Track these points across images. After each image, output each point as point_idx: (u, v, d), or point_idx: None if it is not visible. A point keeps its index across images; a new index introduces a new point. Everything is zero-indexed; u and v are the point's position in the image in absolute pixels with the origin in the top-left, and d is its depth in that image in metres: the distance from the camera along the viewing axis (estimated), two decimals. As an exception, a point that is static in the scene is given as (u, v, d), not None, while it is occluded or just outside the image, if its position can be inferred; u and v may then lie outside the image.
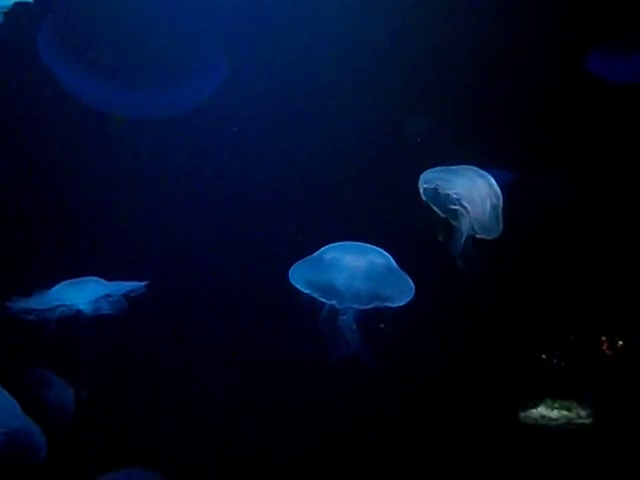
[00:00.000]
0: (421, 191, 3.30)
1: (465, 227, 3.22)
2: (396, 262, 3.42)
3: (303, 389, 4.17)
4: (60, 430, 3.76)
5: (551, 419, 4.31)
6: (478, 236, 3.27)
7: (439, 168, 3.31)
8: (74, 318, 3.51)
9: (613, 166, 4.10)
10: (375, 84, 4.01)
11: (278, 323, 4.10)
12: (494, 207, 3.24)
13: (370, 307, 3.27)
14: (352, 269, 3.30)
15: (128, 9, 3.85)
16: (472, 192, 3.18)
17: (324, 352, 3.40)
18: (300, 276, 3.30)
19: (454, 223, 3.29)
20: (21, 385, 3.60)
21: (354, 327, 3.36)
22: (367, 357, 3.43)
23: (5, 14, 3.39)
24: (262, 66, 4.00)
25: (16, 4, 3.37)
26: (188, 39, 3.99)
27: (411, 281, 3.35)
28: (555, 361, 4.34)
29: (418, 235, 3.94)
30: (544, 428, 4.32)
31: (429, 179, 3.27)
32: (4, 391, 3.36)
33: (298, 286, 3.28)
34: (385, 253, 3.43)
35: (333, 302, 3.26)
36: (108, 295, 3.55)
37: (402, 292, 3.29)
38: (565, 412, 4.30)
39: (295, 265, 3.35)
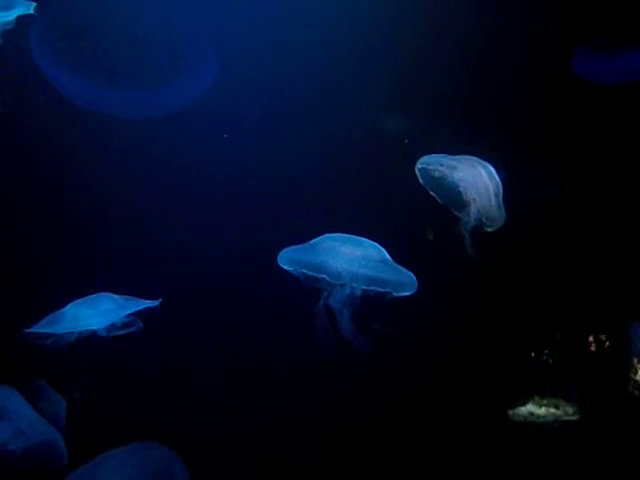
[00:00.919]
0: (419, 174, 3.31)
1: (470, 216, 3.22)
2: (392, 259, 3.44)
3: (297, 382, 4.18)
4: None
5: (539, 416, 4.33)
6: (482, 226, 3.27)
7: (439, 154, 3.33)
8: (88, 339, 3.49)
9: (602, 164, 4.17)
10: (370, 78, 4.05)
11: (274, 319, 4.10)
12: (496, 196, 3.26)
13: (367, 290, 3.27)
14: (349, 255, 3.28)
15: (118, 9, 3.87)
16: (476, 179, 3.19)
17: (318, 343, 3.41)
18: (290, 258, 3.28)
19: (456, 213, 3.30)
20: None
21: (347, 314, 3.36)
22: (359, 347, 3.43)
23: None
24: (254, 63, 4.02)
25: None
26: (179, 38, 4.02)
27: (412, 274, 3.34)
28: (543, 359, 4.38)
29: (414, 232, 4.01)
30: (532, 425, 4.34)
31: (429, 162, 3.27)
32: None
33: (286, 266, 3.28)
34: (382, 248, 3.46)
35: (323, 276, 3.23)
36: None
37: (403, 283, 3.30)
38: (553, 409, 4.33)
39: (286, 249, 3.35)
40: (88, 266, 4.05)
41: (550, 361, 4.37)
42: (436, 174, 3.31)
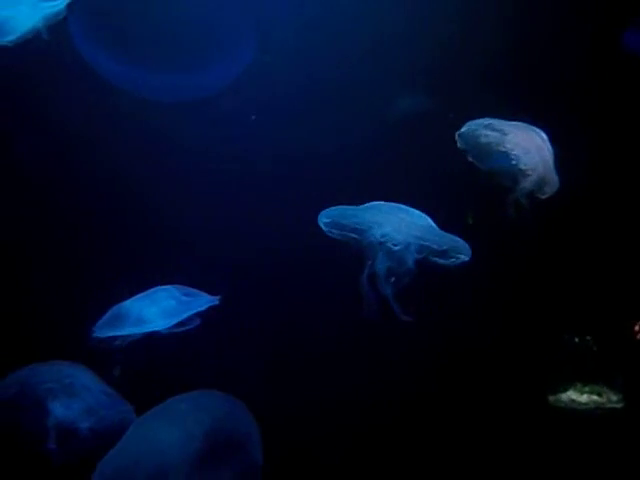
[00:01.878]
0: (461, 139, 3.22)
1: (521, 184, 3.13)
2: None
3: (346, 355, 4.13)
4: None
5: (580, 403, 4.23)
6: (534, 194, 3.17)
7: (486, 119, 3.24)
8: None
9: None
10: (411, 45, 4.01)
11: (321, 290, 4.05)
12: (550, 161, 3.16)
13: (419, 253, 3.18)
14: (397, 217, 3.21)
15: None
16: (529, 143, 3.11)
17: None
18: (336, 216, 3.22)
19: (504, 181, 3.21)
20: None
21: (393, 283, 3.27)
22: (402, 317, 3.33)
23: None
24: (289, 48, 4.02)
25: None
26: (215, 19, 4.02)
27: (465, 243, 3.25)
28: (586, 345, 4.28)
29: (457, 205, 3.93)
30: (573, 412, 4.24)
31: (475, 126, 3.18)
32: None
33: (331, 227, 3.21)
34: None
35: (372, 235, 3.16)
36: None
37: (457, 248, 3.20)
38: (595, 397, 4.23)
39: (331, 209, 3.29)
40: (131, 255, 4.05)
41: (594, 347, 4.26)
42: (482, 139, 3.21)
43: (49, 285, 4.03)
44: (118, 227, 4.08)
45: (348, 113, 4.14)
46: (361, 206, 3.33)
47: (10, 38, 3.45)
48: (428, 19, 3.97)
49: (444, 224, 3.39)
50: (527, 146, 3.14)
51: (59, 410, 3.28)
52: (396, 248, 3.19)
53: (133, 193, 4.06)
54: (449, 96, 4.03)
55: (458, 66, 4.03)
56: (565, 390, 4.27)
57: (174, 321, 3.40)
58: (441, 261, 3.27)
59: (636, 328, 4.25)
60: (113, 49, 3.99)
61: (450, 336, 4.15)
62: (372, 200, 3.44)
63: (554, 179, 3.19)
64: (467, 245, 3.26)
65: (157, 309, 3.45)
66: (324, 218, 3.26)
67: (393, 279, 3.26)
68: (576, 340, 4.29)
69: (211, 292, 3.55)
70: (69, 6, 3.51)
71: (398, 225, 3.20)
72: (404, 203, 3.44)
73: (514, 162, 3.15)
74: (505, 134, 3.15)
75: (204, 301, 3.46)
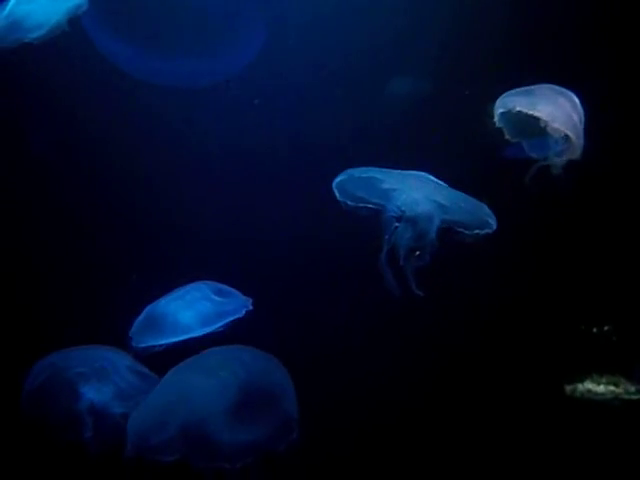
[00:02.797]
0: (497, 118, 3.21)
1: (553, 150, 3.10)
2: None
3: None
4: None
5: (597, 394, 4.19)
6: (565, 157, 3.14)
7: (514, 91, 3.21)
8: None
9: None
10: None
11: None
12: (580, 124, 3.14)
13: (443, 221, 3.15)
14: (421, 184, 3.14)
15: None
16: (559, 107, 3.08)
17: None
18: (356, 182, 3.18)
19: (535, 149, 3.19)
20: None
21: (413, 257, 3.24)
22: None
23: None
24: (301, 34, 4.04)
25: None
26: (227, 6, 4.05)
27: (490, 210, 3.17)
28: (605, 335, 4.25)
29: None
30: (590, 403, 4.20)
31: (505, 101, 3.16)
32: None
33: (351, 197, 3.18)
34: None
35: (394, 203, 3.12)
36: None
37: (482, 217, 3.15)
38: (612, 387, 4.19)
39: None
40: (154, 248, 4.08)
41: (613, 338, 4.23)
42: (513, 113, 3.20)
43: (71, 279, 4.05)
44: (132, 217, 4.10)
45: (364, 94, 4.15)
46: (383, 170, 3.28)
47: (35, 35, 3.43)
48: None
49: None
50: (558, 110, 3.11)
51: (91, 395, 3.23)
52: (419, 214, 3.14)
53: (144, 182, 4.07)
54: (470, 71, 4.03)
55: (476, 40, 4.01)
56: (582, 380, 4.24)
57: (212, 329, 3.37)
58: (466, 232, 3.22)
59: (655, 319, 4.23)
60: (123, 35, 4.01)
61: (466, 321, 4.13)
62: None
63: (581, 142, 3.16)
64: (493, 215, 3.22)
65: (193, 313, 3.42)
66: (343, 180, 3.21)
67: (417, 253, 3.21)
68: (594, 330, 4.26)
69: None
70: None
71: (421, 191, 3.14)
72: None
73: (545, 127, 3.13)
74: (535, 101, 3.13)
75: (239, 305, 3.43)
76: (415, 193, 3.15)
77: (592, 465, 4.03)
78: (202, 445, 2.54)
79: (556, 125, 3.06)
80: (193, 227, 4.07)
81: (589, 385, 4.22)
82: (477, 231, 3.23)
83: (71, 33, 3.61)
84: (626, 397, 4.18)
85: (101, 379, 3.24)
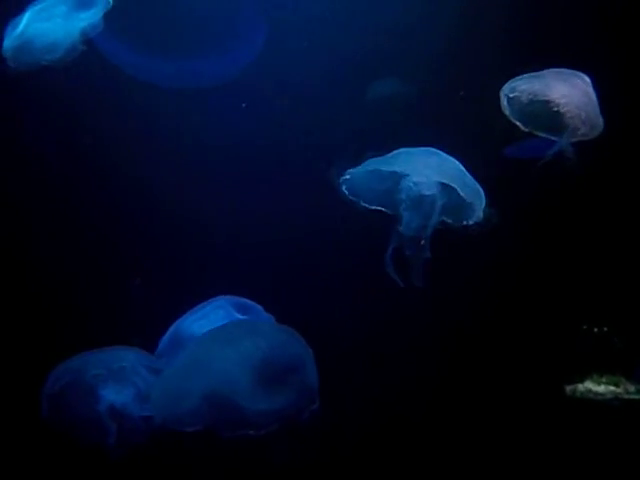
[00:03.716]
0: (506, 103, 3.23)
1: (570, 134, 3.09)
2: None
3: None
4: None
5: (597, 393, 4.21)
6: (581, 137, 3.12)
7: (523, 76, 3.23)
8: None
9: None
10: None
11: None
12: (594, 102, 3.13)
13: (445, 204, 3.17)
14: (425, 161, 3.13)
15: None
16: (571, 89, 3.08)
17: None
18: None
19: (548, 134, 3.18)
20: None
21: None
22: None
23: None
24: (301, 34, 4.08)
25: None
26: (227, 7, 4.08)
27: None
28: (605, 336, 4.28)
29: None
30: (590, 402, 4.22)
31: (514, 87, 3.18)
32: None
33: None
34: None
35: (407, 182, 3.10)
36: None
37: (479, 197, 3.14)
38: (612, 387, 4.22)
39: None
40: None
41: (613, 338, 4.27)
42: (523, 99, 3.23)
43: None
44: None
45: (364, 93, 4.20)
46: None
47: (50, 57, 3.42)
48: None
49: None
50: (570, 92, 3.12)
51: (111, 397, 3.19)
52: (426, 194, 3.15)
53: (145, 182, 4.07)
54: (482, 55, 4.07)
55: (480, 34, 4.05)
56: (582, 380, 4.26)
57: None
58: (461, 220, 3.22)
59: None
60: (124, 35, 4.02)
61: (466, 321, 4.15)
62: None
63: (599, 121, 3.16)
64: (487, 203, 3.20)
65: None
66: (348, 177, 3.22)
67: (422, 242, 3.22)
68: (595, 330, 4.29)
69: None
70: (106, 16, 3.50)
71: (429, 168, 3.13)
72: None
73: (557, 110, 3.13)
74: (546, 86, 3.14)
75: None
76: (423, 172, 3.14)
77: (592, 465, 4.04)
78: (227, 414, 2.53)
79: (568, 104, 3.05)
80: (193, 227, 4.08)
81: (589, 385, 4.25)
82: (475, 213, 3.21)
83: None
84: (626, 397, 4.21)
85: (120, 380, 3.19)
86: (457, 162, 3.22)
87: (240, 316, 3.42)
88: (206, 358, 2.63)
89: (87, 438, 3.20)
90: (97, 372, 3.17)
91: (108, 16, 3.77)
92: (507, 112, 3.29)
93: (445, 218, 3.24)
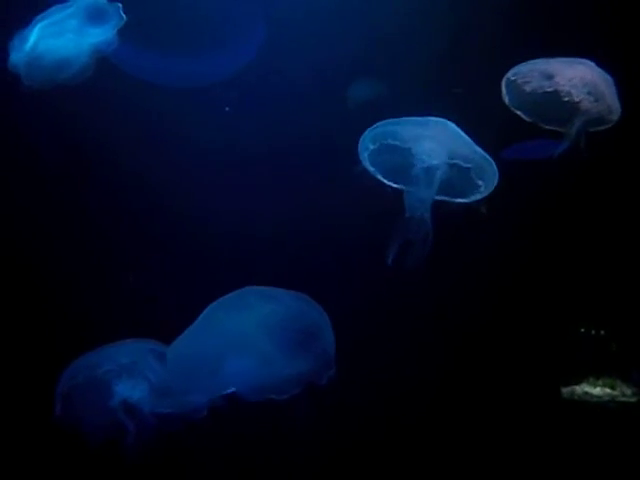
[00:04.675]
0: (506, 92, 3.18)
1: (580, 122, 3.05)
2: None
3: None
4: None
5: (593, 396, 4.21)
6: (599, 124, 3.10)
7: (527, 64, 3.16)
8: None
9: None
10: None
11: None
12: (605, 86, 3.08)
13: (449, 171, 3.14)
14: (433, 133, 3.12)
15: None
16: (578, 74, 3.05)
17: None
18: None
19: (555, 125, 3.16)
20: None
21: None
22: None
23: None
24: (301, 33, 4.06)
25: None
26: (225, 6, 4.09)
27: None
28: (602, 338, 4.29)
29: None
30: (586, 405, 4.21)
31: (518, 73, 3.11)
32: None
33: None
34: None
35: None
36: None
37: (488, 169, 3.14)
38: (609, 390, 4.22)
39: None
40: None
41: (610, 341, 4.27)
42: (527, 88, 3.17)
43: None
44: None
45: (364, 92, 4.19)
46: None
47: (65, 74, 3.35)
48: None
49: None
50: (576, 73, 3.07)
51: (125, 392, 3.12)
52: (436, 164, 3.12)
53: (145, 182, 4.02)
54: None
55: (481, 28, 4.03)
56: (579, 383, 4.25)
57: None
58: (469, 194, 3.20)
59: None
60: (124, 34, 4.01)
61: (464, 323, 4.13)
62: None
63: (615, 106, 3.10)
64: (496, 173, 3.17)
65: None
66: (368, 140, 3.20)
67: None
68: (592, 333, 4.30)
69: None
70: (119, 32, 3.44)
71: (441, 137, 3.13)
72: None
73: (566, 99, 3.08)
74: (550, 76, 3.08)
75: None
76: (435, 140, 3.14)
77: (589, 467, 4.02)
78: (246, 379, 2.48)
79: (574, 93, 3.02)
80: (193, 227, 4.03)
81: (586, 387, 4.24)
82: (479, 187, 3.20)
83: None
84: (622, 399, 4.20)
85: (133, 375, 3.12)
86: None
87: None
88: (222, 322, 2.59)
89: (100, 436, 3.12)
90: (109, 368, 3.11)
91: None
92: (507, 100, 3.20)
93: (452, 197, 3.20)
